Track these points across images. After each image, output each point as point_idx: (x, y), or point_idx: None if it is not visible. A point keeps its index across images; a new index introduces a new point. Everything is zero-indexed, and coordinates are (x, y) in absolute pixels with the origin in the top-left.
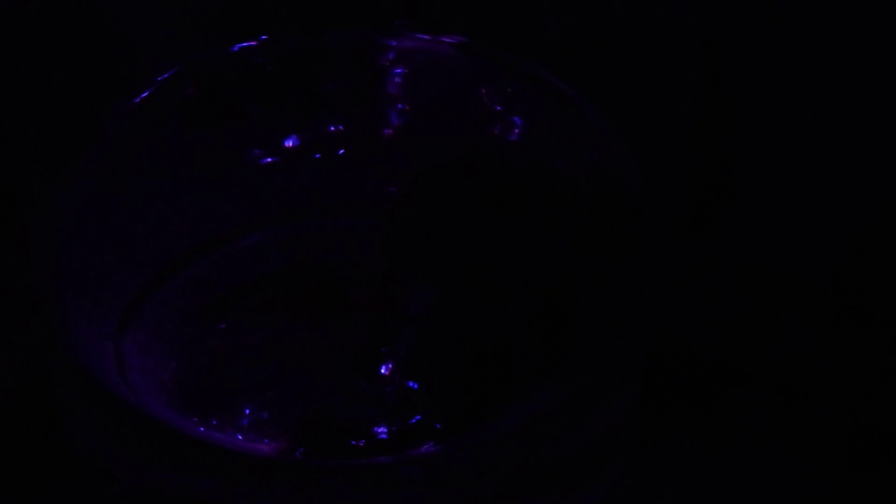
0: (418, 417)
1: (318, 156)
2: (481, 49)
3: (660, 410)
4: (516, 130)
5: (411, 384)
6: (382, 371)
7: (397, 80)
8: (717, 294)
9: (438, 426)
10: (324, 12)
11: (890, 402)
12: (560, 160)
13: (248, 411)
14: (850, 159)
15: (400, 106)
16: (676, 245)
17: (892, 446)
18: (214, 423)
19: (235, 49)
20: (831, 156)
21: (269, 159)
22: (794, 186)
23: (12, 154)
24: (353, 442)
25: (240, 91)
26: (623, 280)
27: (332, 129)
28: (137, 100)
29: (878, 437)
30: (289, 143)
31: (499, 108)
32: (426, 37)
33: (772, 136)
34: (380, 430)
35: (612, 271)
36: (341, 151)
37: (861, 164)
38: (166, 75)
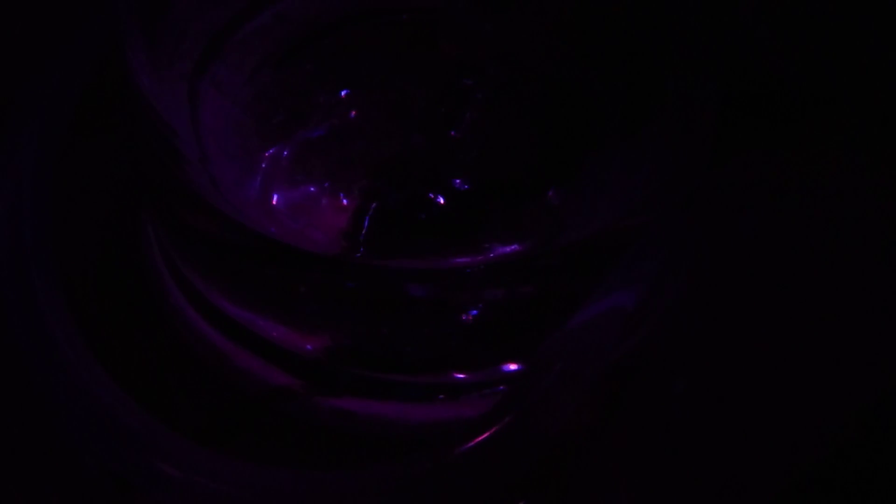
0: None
1: None
2: None
3: (747, 131)
4: None
5: (490, 134)
6: (462, 120)
7: None
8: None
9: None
10: None
11: None
12: None
13: (324, 155)
14: None
15: None
16: None
17: None
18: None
19: None
20: None
21: None
22: None
23: None
24: (431, 195)
25: None
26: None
27: None
28: None
29: None
30: None
31: None
32: None
33: None
34: (457, 181)
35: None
36: None
37: None
38: None
